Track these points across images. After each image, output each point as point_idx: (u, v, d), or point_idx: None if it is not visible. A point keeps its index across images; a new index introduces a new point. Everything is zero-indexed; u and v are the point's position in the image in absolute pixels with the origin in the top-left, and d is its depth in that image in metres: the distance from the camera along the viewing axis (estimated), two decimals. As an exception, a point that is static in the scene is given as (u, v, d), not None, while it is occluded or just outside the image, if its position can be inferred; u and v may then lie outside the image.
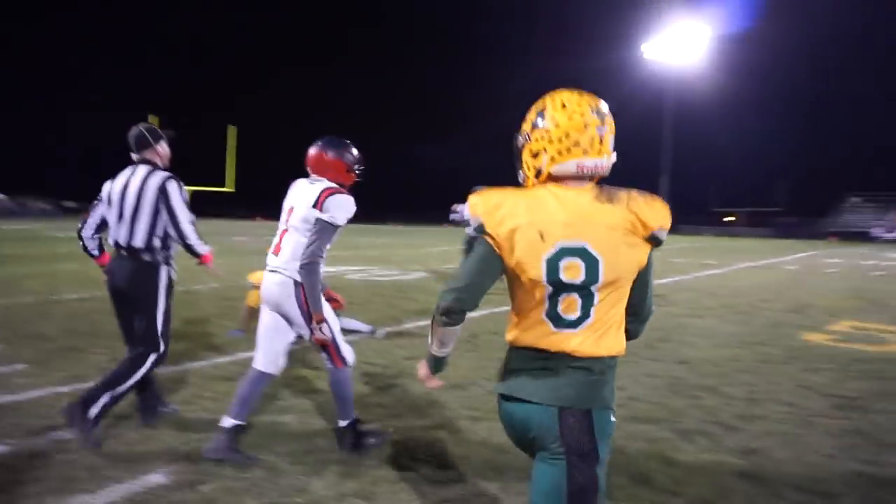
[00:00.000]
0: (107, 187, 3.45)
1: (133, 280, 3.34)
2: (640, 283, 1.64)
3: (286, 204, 3.17)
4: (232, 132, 56.12)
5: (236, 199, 61.40)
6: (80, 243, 3.65)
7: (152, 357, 3.42)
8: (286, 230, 3.11)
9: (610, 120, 1.65)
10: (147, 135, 3.47)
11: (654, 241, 1.58)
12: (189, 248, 3.45)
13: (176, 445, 3.19)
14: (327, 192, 3.00)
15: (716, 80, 61.92)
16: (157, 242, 3.35)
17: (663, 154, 57.91)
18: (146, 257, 3.34)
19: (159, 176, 3.36)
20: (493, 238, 1.58)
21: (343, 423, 3.19)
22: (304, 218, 3.01)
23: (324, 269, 3.01)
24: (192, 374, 4.48)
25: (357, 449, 3.14)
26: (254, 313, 6.06)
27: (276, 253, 3.12)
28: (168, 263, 3.43)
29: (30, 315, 6.55)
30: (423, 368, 1.83)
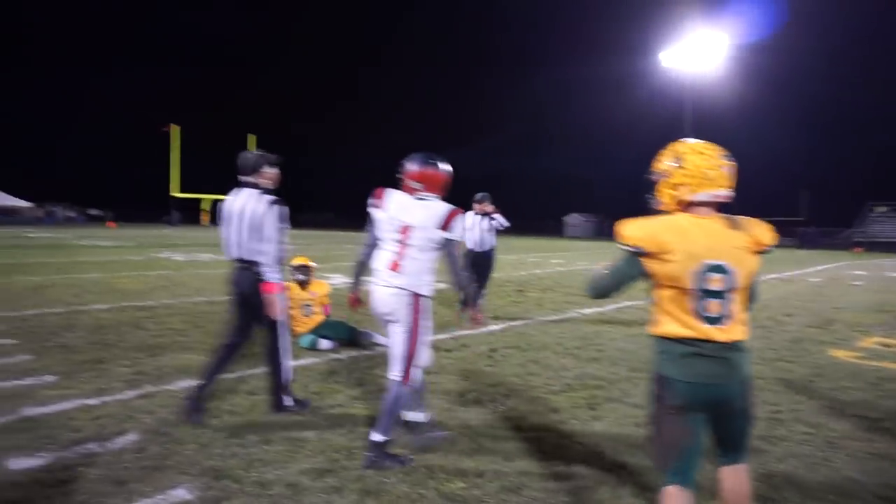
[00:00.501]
0: (224, 207, 3.92)
1: (251, 287, 3.83)
2: (752, 283, 2.22)
3: (393, 220, 3.27)
4: (252, 140, 56.80)
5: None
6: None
7: (283, 351, 4.01)
8: (404, 247, 3.24)
9: (730, 163, 2.21)
10: (257, 160, 3.87)
11: (765, 253, 2.16)
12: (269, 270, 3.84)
13: (200, 460, 3.24)
14: (454, 214, 3.24)
15: (735, 88, 61.32)
16: (268, 255, 3.79)
17: (683, 163, 57.33)
18: (257, 268, 3.79)
19: (263, 201, 3.77)
20: (651, 258, 2.13)
21: (377, 438, 3.20)
22: (429, 238, 3.21)
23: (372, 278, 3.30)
24: (215, 387, 4.53)
25: (378, 467, 3.17)
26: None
27: (394, 269, 3.25)
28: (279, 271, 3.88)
29: (57, 326, 6.69)
30: None
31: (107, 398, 4.21)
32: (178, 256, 17.52)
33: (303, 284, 6.20)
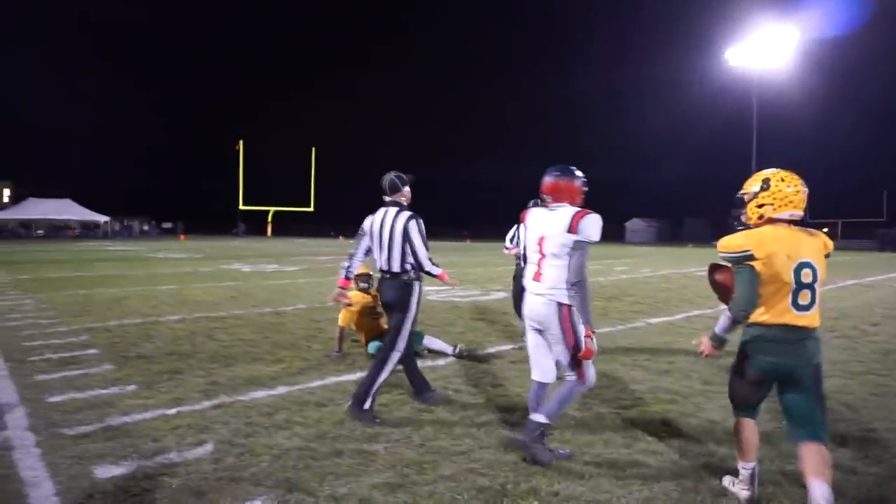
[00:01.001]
0: (367, 222, 4.45)
1: (395, 295, 4.31)
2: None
3: (531, 234, 3.51)
4: (314, 154, 58.29)
5: (316, 217, 63.63)
6: (347, 263, 4.50)
7: (396, 355, 4.30)
8: (542, 257, 3.43)
9: (805, 189, 2.83)
10: (397, 181, 4.43)
11: (828, 256, 2.82)
12: (427, 273, 4.38)
13: (274, 471, 3.29)
14: (580, 216, 3.33)
15: (807, 85, 58.70)
16: (408, 266, 4.30)
17: (750, 164, 55.26)
18: (403, 277, 4.30)
19: (404, 216, 4.31)
20: (758, 261, 2.72)
21: (540, 419, 3.47)
22: (562, 244, 3.35)
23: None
24: (285, 398, 4.62)
25: (532, 449, 3.41)
26: (346, 334, 6.24)
27: (537, 279, 3.46)
28: (419, 280, 4.38)
29: (136, 336, 7.00)
30: (705, 343, 2.93)
31: (184, 408, 4.35)
32: (246, 268, 18.11)
33: (366, 291, 6.23)
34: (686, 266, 21.16)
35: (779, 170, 2.86)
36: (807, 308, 2.73)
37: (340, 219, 73.36)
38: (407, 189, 4.46)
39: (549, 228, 3.40)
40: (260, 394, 4.73)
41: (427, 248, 4.34)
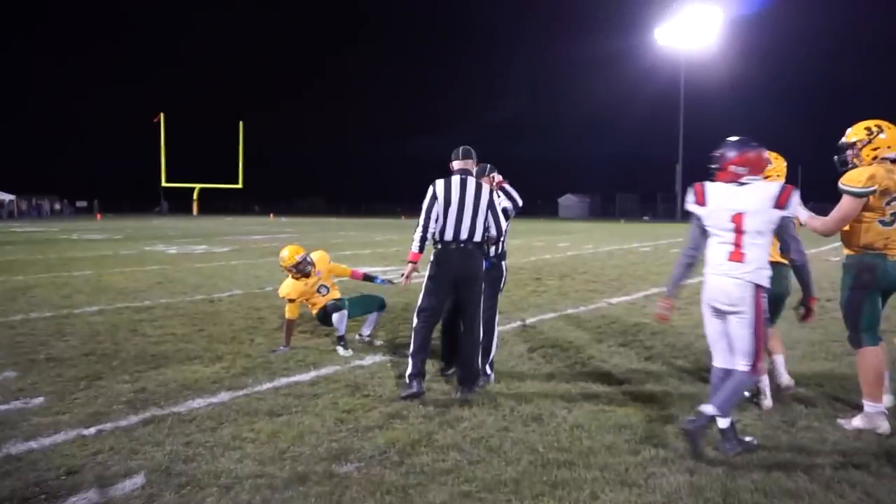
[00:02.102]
0: (440, 188, 4.24)
1: (479, 265, 4.32)
2: None
3: (721, 211, 3.24)
4: (242, 128, 55.72)
5: (245, 194, 61.09)
6: (420, 236, 4.24)
7: (495, 319, 4.66)
8: (741, 235, 3.18)
9: None
10: (471, 150, 4.41)
11: None
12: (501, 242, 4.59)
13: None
14: (789, 190, 3.17)
15: (730, 64, 60.78)
16: (489, 236, 4.34)
17: (678, 142, 56.99)
18: (480, 247, 4.32)
19: (486, 186, 4.35)
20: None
21: (711, 411, 3.19)
22: (767, 220, 3.15)
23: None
24: (229, 407, 3.95)
25: (693, 436, 3.19)
26: (293, 325, 5.56)
27: (738, 260, 3.20)
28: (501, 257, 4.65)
29: (45, 334, 6.07)
30: None
31: (106, 426, 3.62)
32: (172, 249, 16.84)
33: (307, 274, 5.53)
34: (627, 242, 21.35)
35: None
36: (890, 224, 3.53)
37: (269, 196, 70.96)
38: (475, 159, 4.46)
39: (752, 204, 3.18)
40: (199, 402, 4.04)
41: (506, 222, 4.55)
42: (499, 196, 5.05)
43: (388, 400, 4.10)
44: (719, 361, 3.42)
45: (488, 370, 4.55)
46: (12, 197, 49.95)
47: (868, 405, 3.58)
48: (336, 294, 5.67)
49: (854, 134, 3.63)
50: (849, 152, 3.66)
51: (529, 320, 6.80)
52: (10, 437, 3.45)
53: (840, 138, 3.73)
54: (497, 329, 4.69)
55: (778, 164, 4.11)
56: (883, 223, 3.51)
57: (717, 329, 3.38)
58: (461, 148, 4.40)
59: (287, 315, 5.44)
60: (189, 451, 3.25)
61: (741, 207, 3.20)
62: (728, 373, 3.34)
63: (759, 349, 3.26)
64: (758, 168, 3.30)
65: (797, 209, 3.26)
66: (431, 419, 3.75)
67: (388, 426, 3.63)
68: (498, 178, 4.68)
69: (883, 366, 3.61)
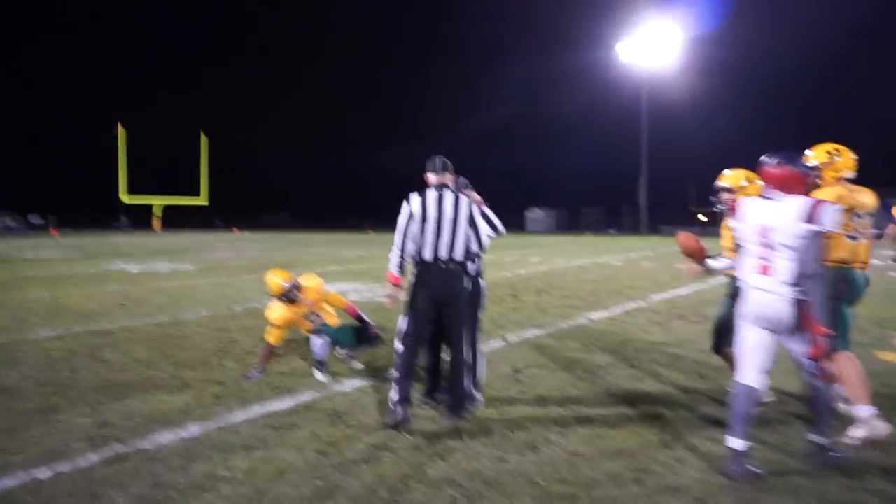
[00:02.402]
0: (416, 205, 4.00)
1: (460, 286, 4.07)
2: None
3: (751, 226, 3.28)
4: (204, 141, 54.69)
5: (207, 208, 59.86)
6: (396, 259, 4.04)
7: (479, 348, 4.39)
8: (770, 250, 3.20)
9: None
10: (448, 162, 4.16)
11: None
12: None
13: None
14: (818, 205, 3.13)
15: (690, 80, 62.26)
16: (472, 253, 4.15)
17: (641, 155, 58.04)
18: (468, 266, 4.12)
19: (466, 199, 4.09)
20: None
21: (820, 440, 3.22)
22: (796, 235, 3.11)
23: None
24: (201, 442, 3.65)
25: (826, 463, 3.19)
26: (273, 351, 5.25)
27: (766, 273, 3.20)
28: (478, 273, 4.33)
29: (-4, 361, 5.64)
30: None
31: (63, 467, 3.29)
32: (133, 268, 16.21)
33: (294, 301, 5.23)
34: (598, 255, 21.44)
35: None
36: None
37: (233, 209, 69.61)
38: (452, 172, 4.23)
39: (776, 220, 3.18)
40: (167, 437, 3.73)
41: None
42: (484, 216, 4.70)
43: (373, 429, 3.86)
44: (746, 378, 3.27)
45: (476, 393, 4.35)
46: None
47: (860, 410, 3.62)
48: (332, 320, 5.31)
49: (816, 157, 3.91)
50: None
51: (511, 338, 6.62)
52: (-48, 483, 3.09)
53: (803, 151, 3.85)
54: (479, 349, 4.48)
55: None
56: (851, 238, 3.76)
57: (756, 342, 3.27)
58: (437, 159, 4.15)
59: (268, 339, 5.13)
60: (157, 495, 2.96)
61: (769, 223, 3.20)
62: (753, 392, 3.25)
63: (822, 355, 3.15)
64: (786, 185, 3.22)
65: (829, 223, 3.11)
66: (421, 450, 3.52)
67: (375, 459, 3.39)
68: (477, 198, 4.45)
69: (861, 368, 3.71)
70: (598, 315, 8.22)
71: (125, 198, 51.91)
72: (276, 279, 5.14)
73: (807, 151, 3.92)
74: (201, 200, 55.27)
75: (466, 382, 4.13)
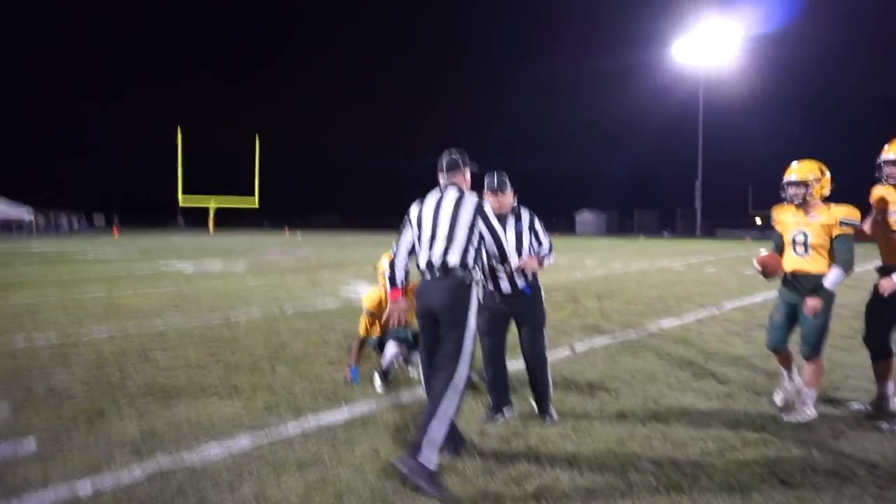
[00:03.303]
0: (414, 210, 3.49)
1: (448, 298, 3.27)
2: None
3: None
4: (258, 143, 55.68)
5: (260, 211, 60.99)
6: (389, 272, 3.54)
7: (460, 385, 3.19)
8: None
9: None
10: (457, 159, 3.53)
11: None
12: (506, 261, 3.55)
13: None
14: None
15: (749, 80, 60.01)
16: (469, 262, 3.30)
17: (697, 157, 56.14)
18: (458, 274, 3.28)
19: (472, 200, 3.39)
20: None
21: None
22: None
23: None
24: (250, 456, 3.34)
25: None
26: (364, 346, 4.93)
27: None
28: (476, 282, 3.37)
29: (49, 361, 5.52)
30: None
31: (105, 481, 3.02)
32: (188, 267, 16.37)
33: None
34: (656, 260, 20.58)
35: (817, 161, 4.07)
36: None
37: (284, 211, 70.80)
38: (468, 173, 3.58)
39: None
40: (215, 450, 3.43)
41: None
42: (530, 229, 4.06)
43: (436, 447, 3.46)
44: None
45: (551, 410, 3.94)
46: (31, 216, 50.12)
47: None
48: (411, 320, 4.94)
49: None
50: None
51: (579, 347, 6.14)
52: (-11, 496, 2.86)
53: (874, 153, 4.00)
54: (548, 363, 4.06)
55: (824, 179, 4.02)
56: None
57: None
58: (445, 156, 3.53)
59: (361, 332, 4.92)
60: (203, 520, 2.64)
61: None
62: None
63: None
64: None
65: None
66: (493, 474, 3.11)
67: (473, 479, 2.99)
68: (510, 198, 3.98)
69: None
70: (668, 323, 7.63)
71: (182, 199, 53.34)
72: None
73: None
74: (253, 203, 56.30)
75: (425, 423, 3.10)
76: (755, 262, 4.16)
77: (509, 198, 3.96)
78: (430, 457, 2.91)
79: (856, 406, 4.16)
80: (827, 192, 4.00)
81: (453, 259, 3.27)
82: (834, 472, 3.15)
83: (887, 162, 3.93)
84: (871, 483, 3.03)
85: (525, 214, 4.04)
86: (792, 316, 4.08)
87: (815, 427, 3.81)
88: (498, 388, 3.99)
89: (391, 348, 4.70)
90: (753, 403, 4.30)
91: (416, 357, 4.92)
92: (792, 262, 4.06)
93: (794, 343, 4.13)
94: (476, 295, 3.31)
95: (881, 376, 4.03)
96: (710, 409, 4.15)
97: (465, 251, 3.28)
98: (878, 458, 3.33)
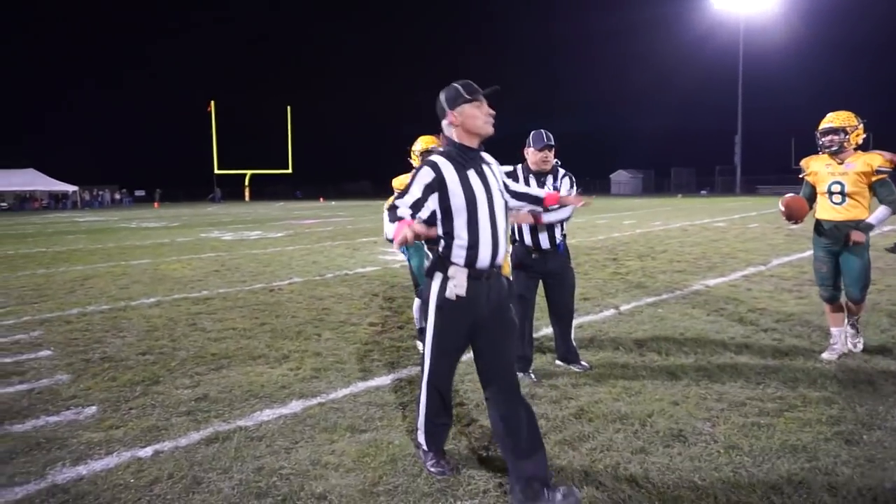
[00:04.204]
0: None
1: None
2: None
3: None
4: (289, 114, 55.83)
5: (293, 179, 61.54)
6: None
7: (423, 381, 2.72)
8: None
9: None
10: (441, 102, 2.57)
11: None
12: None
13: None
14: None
15: (792, 26, 57.22)
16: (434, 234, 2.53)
17: (737, 112, 54.16)
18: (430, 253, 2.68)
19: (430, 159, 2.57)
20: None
21: None
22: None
23: None
24: (303, 420, 3.37)
25: None
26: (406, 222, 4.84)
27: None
28: (443, 263, 2.53)
29: (102, 329, 5.67)
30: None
31: (165, 445, 3.09)
32: (227, 235, 16.64)
33: None
34: (697, 217, 20.08)
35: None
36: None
37: (318, 180, 71.26)
38: (456, 114, 2.51)
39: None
40: (268, 414, 3.48)
41: (394, 205, 2.49)
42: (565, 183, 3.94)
43: (485, 408, 3.44)
44: None
45: (581, 360, 4.19)
46: (75, 188, 51.59)
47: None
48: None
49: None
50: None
51: (623, 307, 6.03)
52: (57, 459, 2.95)
53: None
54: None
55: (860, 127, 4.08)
56: None
57: None
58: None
59: (387, 207, 4.83)
60: (261, 483, 2.67)
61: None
62: None
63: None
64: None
65: None
66: (546, 436, 3.07)
67: (495, 446, 2.97)
68: (552, 159, 3.95)
69: None
70: (714, 281, 7.43)
71: (218, 170, 54.05)
72: (425, 140, 4.58)
73: None
74: (287, 170, 56.72)
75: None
76: (780, 205, 4.18)
77: (551, 156, 3.93)
78: (419, 439, 2.80)
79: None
80: (861, 140, 4.05)
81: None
82: (903, 431, 3.02)
83: None
84: (944, 443, 2.89)
85: (561, 173, 3.97)
86: (837, 265, 4.15)
87: (878, 384, 3.66)
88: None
89: (418, 304, 4.71)
90: (811, 361, 4.16)
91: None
92: (830, 211, 4.10)
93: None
94: (442, 284, 2.52)
95: None
96: (766, 368, 4.03)
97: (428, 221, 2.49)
98: (950, 416, 3.19)
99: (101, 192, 56.09)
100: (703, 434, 3.05)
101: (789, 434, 3.02)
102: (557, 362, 4.20)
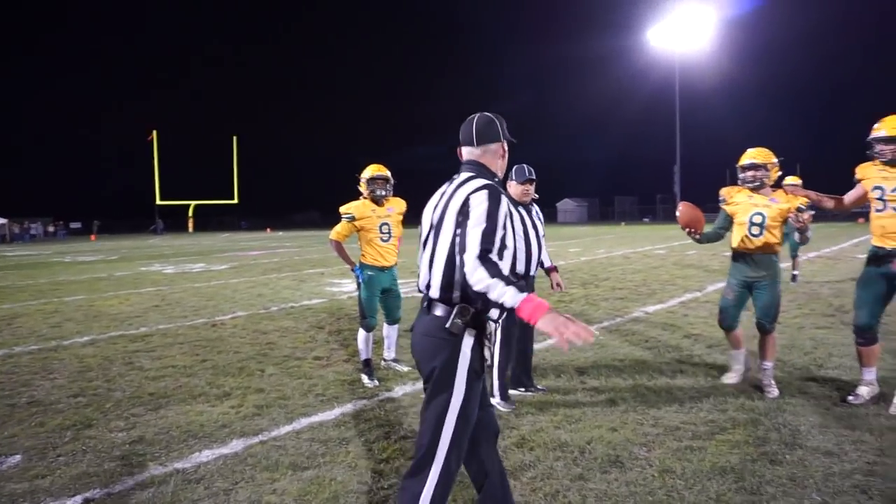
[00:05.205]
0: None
1: (429, 348, 2.10)
2: None
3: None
4: (235, 144, 55.09)
5: (239, 210, 60.47)
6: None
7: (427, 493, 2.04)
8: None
9: None
10: (471, 128, 2.28)
11: None
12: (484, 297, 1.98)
13: None
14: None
15: (725, 64, 60.54)
16: (456, 293, 2.06)
17: (675, 143, 56.56)
18: (437, 313, 2.09)
19: (469, 187, 2.09)
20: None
21: None
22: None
23: None
24: (243, 460, 3.30)
25: None
26: (341, 247, 4.89)
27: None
28: (472, 326, 2.07)
29: (30, 371, 5.41)
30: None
31: (95, 493, 2.97)
32: (169, 269, 16.16)
33: (379, 201, 4.89)
34: (638, 245, 20.74)
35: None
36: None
37: (264, 211, 70.24)
38: (495, 147, 2.25)
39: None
40: (207, 455, 3.39)
41: (489, 250, 1.94)
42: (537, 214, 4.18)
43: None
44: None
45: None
46: (4, 221, 49.11)
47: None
48: (391, 259, 4.93)
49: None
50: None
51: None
52: (-24, 513, 2.80)
53: (836, 135, 4.11)
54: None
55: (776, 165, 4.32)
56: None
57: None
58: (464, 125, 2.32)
59: (332, 236, 4.89)
60: (198, 527, 2.60)
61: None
62: None
63: None
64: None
65: None
66: None
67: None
68: (532, 192, 4.28)
69: None
70: (653, 308, 7.70)
71: (160, 201, 52.58)
72: (374, 167, 4.92)
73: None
74: (233, 200, 55.70)
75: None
76: (679, 219, 4.49)
77: (532, 189, 4.20)
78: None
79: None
80: (776, 177, 4.30)
81: (434, 286, 2.10)
82: (823, 449, 3.20)
83: (877, 140, 3.89)
84: (859, 458, 3.08)
85: (536, 208, 4.28)
86: (744, 295, 4.32)
87: (802, 405, 3.87)
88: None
89: (361, 334, 4.87)
90: (741, 384, 4.35)
91: (389, 342, 5.09)
92: (746, 241, 4.25)
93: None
94: (476, 343, 2.07)
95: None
96: (699, 392, 4.20)
97: (449, 272, 2.06)
98: (866, 433, 3.40)
99: (32, 225, 53.59)
100: (640, 459, 3.15)
101: (719, 456, 3.15)
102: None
